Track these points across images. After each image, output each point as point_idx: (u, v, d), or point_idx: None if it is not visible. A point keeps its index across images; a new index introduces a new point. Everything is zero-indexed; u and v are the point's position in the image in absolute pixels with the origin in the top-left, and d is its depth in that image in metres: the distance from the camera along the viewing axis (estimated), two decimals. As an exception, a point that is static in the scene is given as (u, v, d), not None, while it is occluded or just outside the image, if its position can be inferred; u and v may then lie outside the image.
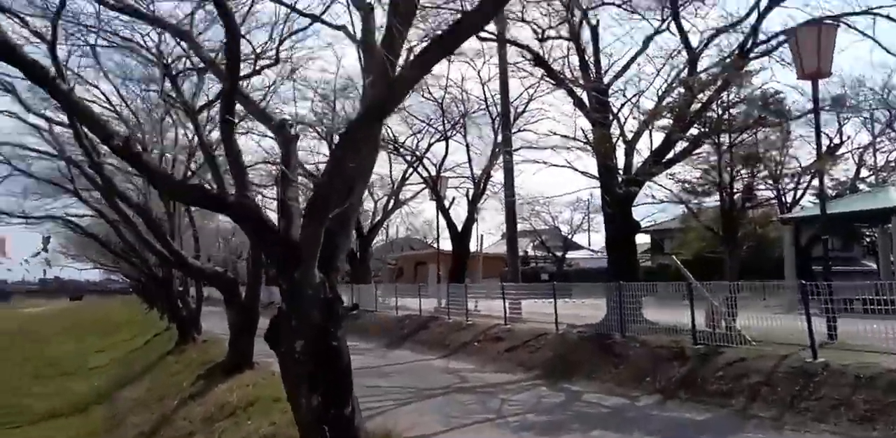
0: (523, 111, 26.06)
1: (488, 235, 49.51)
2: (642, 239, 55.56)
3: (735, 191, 32.84)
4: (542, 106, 33.11)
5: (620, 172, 17.66)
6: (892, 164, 37.19)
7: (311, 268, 7.01)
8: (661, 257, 44.16)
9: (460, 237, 25.46)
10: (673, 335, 12.99)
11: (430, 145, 28.93)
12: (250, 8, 13.59)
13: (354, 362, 6.85)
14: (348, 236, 7.87)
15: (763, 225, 37.45)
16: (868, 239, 43.27)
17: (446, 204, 26.54)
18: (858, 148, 36.66)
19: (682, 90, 16.79)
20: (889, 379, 8.83)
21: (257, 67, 13.51)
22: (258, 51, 13.10)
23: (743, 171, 35.23)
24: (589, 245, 58.98)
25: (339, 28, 8.77)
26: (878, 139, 35.52)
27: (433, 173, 28.00)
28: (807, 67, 12.59)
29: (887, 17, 13.45)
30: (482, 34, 18.75)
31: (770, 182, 37.75)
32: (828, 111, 29.74)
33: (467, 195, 26.34)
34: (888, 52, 13.75)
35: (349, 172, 7.48)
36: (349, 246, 8.52)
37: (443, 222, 26.89)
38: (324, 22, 9.91)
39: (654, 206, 38.11)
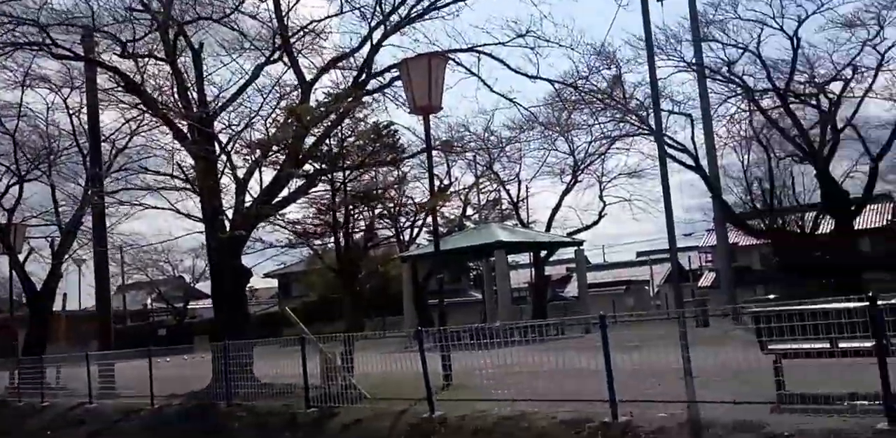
0: (125, 147, 22.79)
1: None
2: (270, 283, 54.12)
3: (355, 230, 32.97)
4: (149, 142, 29.83)
5: (229, 214, 15.82)
6: (492, 203, 40.96)
7: None
8: (288, 301, 42.90)
9: (39, 296, 21.06)
10: (286, 397, 11.35)
11: (7, 187, 23.94)
12: None
13: None
14: None
15: (384, 264, 38.34)
16: (474, 272, 47.03)
17: (22, 257, 21.83)
18: (464, 188, 39.74)
19: (294, 123, 15.65)
20: (504, 431, 8.17)
21: None
22: None
23: (365, 212, 35.76)
24: (215, 292, 55.56)
25: None
26: (481, 180, 38.83)
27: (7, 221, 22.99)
28: (418, 101, 12.24)
29: (490, 55, 13.76)
30: (60, 51, 15.74)
31: (389, 221, 38.96)
32: (438, 149, 31.45)
33: (52, 245, 22.07)
34: (491, 89, 14.13)
35: None
36: None
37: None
38: None
39: (277, 248, 36.72)
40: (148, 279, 46.16)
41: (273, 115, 16.83)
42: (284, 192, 16.86)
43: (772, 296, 33.85)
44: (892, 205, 41.61)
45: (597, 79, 23.94)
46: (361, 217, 35.61)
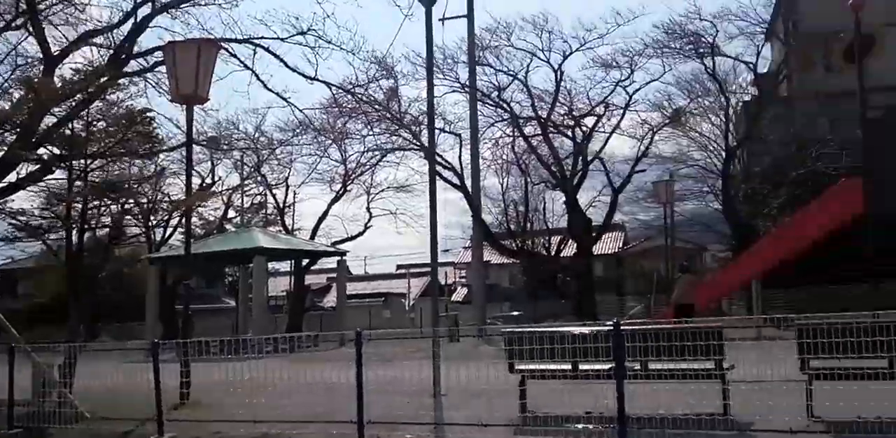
0: None
1: None
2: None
3: (98, 225, 29.96)
4: None
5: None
6: (257, 207, 39.41)
7: None
8: (13, 301, 38.11)
9: None
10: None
11: None
12: None
13: None
14: None
15: (130, 264, 35.33)
16: (230, 278, 44.97)
17: None
18: (228, 189, 37.80)
19: (32, 99, 13.68)
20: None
21: None
22: None
23: (112, 206, 32.63)
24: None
25: None
26: (247, 181, 37.16)
27: None
28: (182, 88, 11.16)
29: (267, 49, 13.01)
30: None
31: (140, 218, 35.99)
32: (202, 145, 29.75)
33: None
34: (265, 86, 13.32)
35: None
36: None
37: None
38: None
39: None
40: None
41: (7, 89, 14.75)
42: (12, 177, 14.78)
43: (516, 313, 36.10)
44: (623, 234, 46.37)
45: (374, 90, 23.98)
46: (107, 211, 32.42)
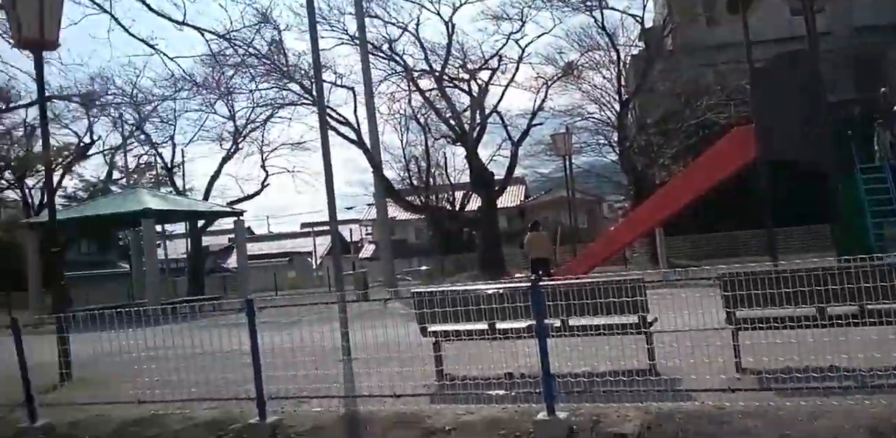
0: None
1: None
2: None
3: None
4: None
5: None
6: (143, 167, 37.38)
7: None
8: None
9: None
10: None
11: None
12: None
13: None
14: None
15: (9, 230, 32.91)
16: (122, 242, 42.97)
17: None
18: (110, 149, 35.66)
19: None
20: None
21: None
22: None
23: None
24: None
25: None
26: (129, 141, 35.05)
27: None
28: (27, 33, 9.81)
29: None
30: None
31: (16, 181, 33.47)
32: (67, 99, 28.06)
33: None
34: (126, 31, 11.94)
35: None
36: None
37: None
38: None
39: None
40: None
41: None
42: None
43: (424, 268, 35.85)
44: (523, 187, 46.68)
45: (258, 42, 22.72)
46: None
